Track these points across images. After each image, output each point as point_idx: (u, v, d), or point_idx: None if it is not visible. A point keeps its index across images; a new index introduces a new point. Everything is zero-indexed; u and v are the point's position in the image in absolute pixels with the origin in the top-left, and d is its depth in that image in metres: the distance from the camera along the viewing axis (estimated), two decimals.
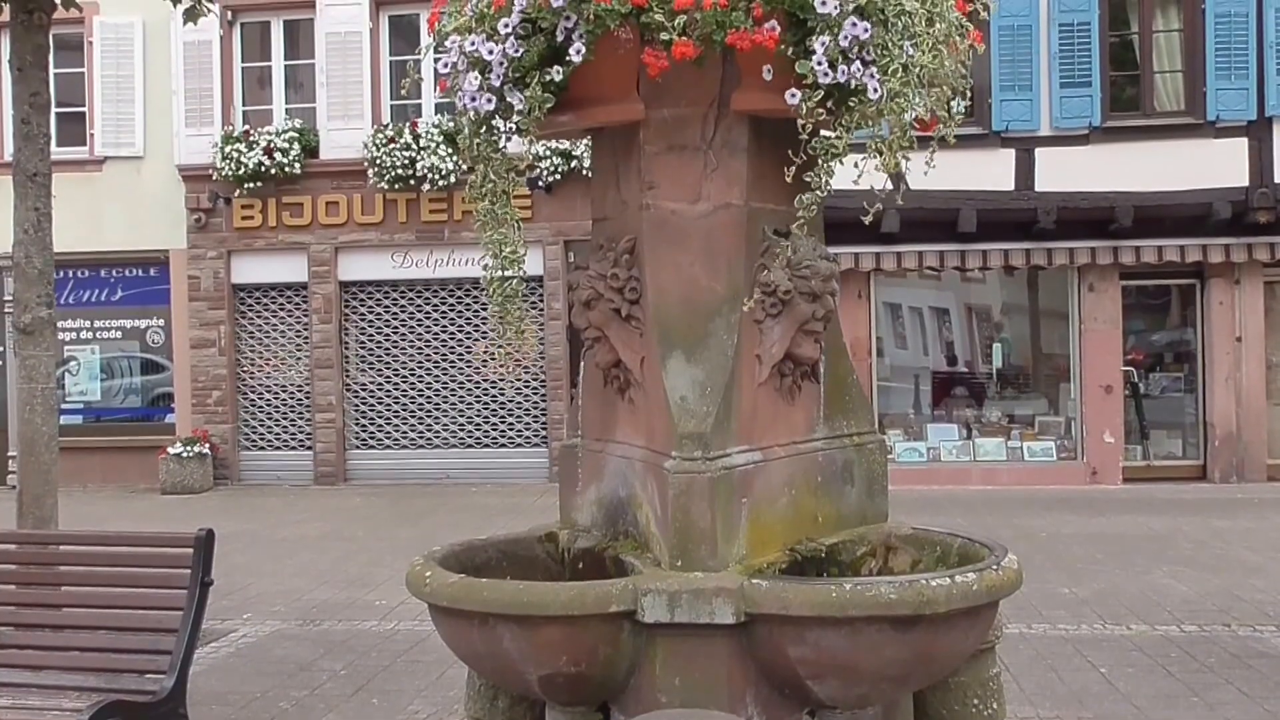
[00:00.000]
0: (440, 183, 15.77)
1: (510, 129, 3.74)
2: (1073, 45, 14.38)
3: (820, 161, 3.42)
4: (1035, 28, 14.42)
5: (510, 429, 16.68)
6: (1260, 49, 14.11)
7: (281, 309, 17.08)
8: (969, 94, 3.70)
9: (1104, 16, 14.56)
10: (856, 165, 3.39)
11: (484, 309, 15.48)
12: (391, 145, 15.85)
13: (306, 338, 16.90)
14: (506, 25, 3.50)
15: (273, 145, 16.10)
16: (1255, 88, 14.12)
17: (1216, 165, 14.18)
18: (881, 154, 3.42)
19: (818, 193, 3.42)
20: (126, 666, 4.51)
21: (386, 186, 16.03)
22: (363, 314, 16.94)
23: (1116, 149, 14.39)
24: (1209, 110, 14.24)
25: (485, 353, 16.31)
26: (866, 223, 3.57)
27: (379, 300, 16.89)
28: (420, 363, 16.83)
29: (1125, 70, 14.97)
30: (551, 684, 3.53)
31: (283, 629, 7.94)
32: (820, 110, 3.36)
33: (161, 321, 17.36)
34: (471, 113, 3.66)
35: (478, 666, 3.88)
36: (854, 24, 3.27)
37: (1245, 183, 14.20)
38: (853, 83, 3.31)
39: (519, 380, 16.52)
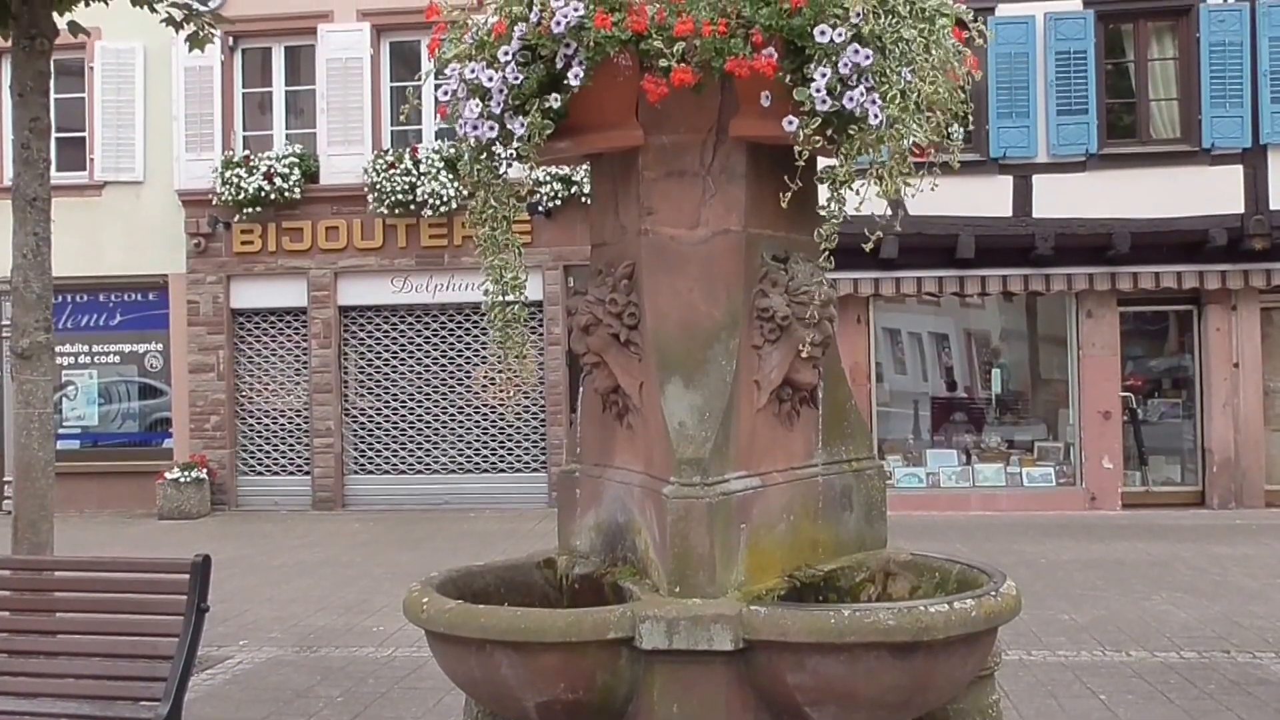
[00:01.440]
0: (440, 208, 15.82)
1: (510, 155, 3.76)
2: (1069, 73, 14.47)
3: (831, 191, 3.44)
4: (1032, 56, 14.51)
5: (509, 454, 16.66)
6: (1255, 78, 14.20)
7: (281, 334, 17.09)
8: (969, 118, 3.72)
9: (1100, 45, 14.66)
10: (859, 192, 3.41)
11: (483, 334, 15.50)
12: (392, 170, 15.91)
13: (305, 362, 16.90)
14: (507, 53, 3.53)
15: (273, 170, 16.15)
16: (1250, 116, 14.20)
17: (1212, 192, 14.25)
18: (882, 180, 3.44)
19: (834, 223, 3.43)
20: (121, 694, 4.48)
21: (386, 212, 16.07)
22: (362, 339, 16.95)
23: (1113, 176, 14.46)
24: (1204, 138, 14.31)
25: (485, 378, 16.31)
26: (868, 250, 3.59)
27: (378, 325, 16.90)
28: (419, 388, 16.83)
29: (1121, 98, 15.06)
30: (549, 711, 3.52)
31: (279, 655, 7.90)
32: (818, 138, 3.38)
33: (160, 346, 17.36)
34: (472, 139, 3.68)
35: (475, 693, 3.86)
36: (856, 50, 3.29)
37: (1241, 209, 14.26)
38: (856, 110, 3.32)
39: (518, 405, 16.50)
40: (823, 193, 3.61)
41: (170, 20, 7.76)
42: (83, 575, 5.09)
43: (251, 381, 17.13)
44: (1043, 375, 16.52)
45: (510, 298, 3.91)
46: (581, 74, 3.46)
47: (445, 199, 15.70)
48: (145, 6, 7.50)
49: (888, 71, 3.35)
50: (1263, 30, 14.20)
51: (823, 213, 3.47)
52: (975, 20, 3.73)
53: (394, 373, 16.87)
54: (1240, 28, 14.23)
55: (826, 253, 3.52)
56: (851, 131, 3.38)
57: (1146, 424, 15.74)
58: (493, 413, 16.54)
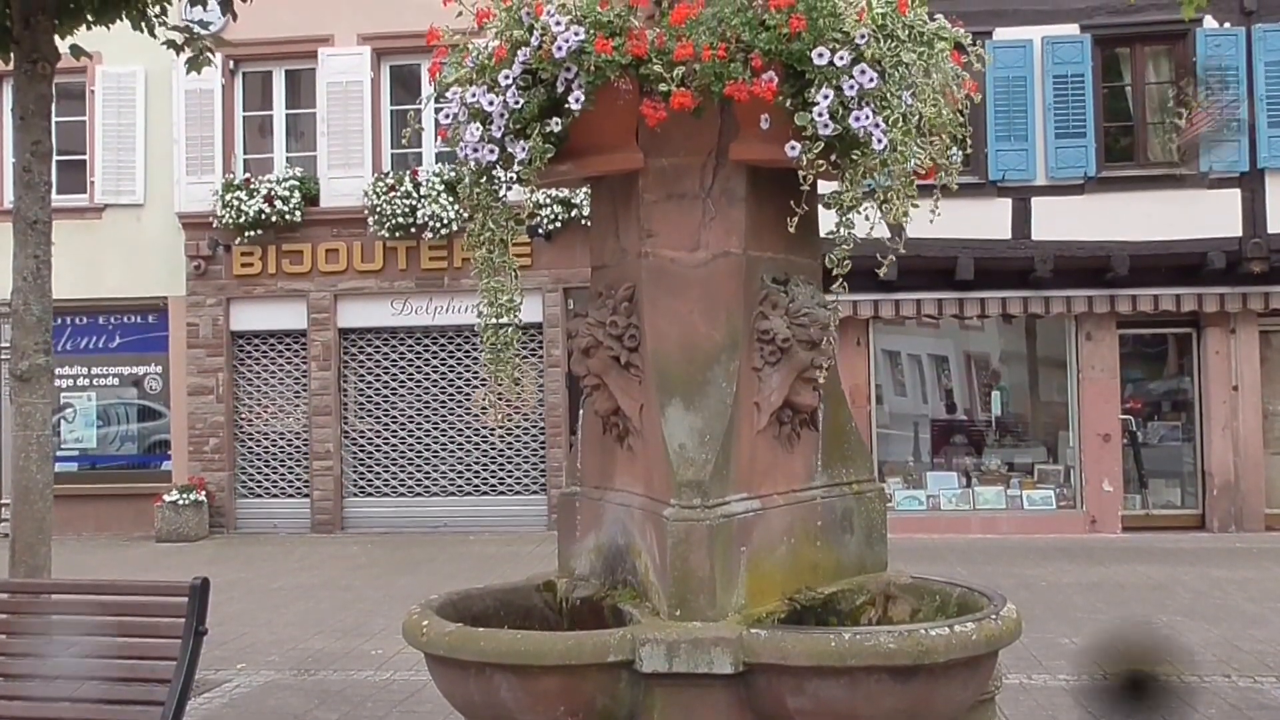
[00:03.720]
0: (440, 231, 15.84)
1: (510, 178, 3.77)
2: (1067, 97, 14.53)
3: (840, 216, 3.45)
4: (1030, 79, 14.58)
5: (509, 476, 16.63)
6: (1251, 102, 14.25)
7: (280, 356, 17.08)
8: (967, 142, 3.74)
9: (1097, 69, 14.73)
10: (867, 217, 3.42)
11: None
12: (392, 193, 15.94)
13: (305, 385, 16.90)
14: (507, 77, 3.54)
15: (273, 193, 16.19)
16: (1247, 140, 14.25)
17: (1210, 216, 14.29)
18: (888, 203, 3.45)
19: (846, 248, 3.44)
20: (118, 717, 4.46)
21: (386, 234, 16.09)
22: (361, 361, 16.95)
23: (1111, 199, 14.50)
24: (1202, 161, 14.36)
25: (484, 399, 16.26)
26: (881, 274, 3.59)
27: (378, 347, 16.90)
28: (419, 410, 16.81)
29: (1119, 121, 15.12)
30: None
31: (277, 679, 7.86)
32: (821, 162, 3.39)
33: (159, 368, 17.35)
34: (472, 162, 3.69)
35: (474, 717, 3.84)
36: (863, 70, 3.31)
37: (1239, 233, 14.30)
38: (860, 133, 3.34)
39: (518, 427, 16.49)
40: (824, 216, 3.62)
41: (171, 44, 7.80)
42: (80, 598, 5.06)
43: (251, 404, 17.12)
44: (1042, 398, 16.52)
45: (504, 320, 3.92)
46: (583, 98, 3.47)
47: (445, 221, 15.72)
48: (146, 30, 7.54)
49: (889, 95, 3.36)
50: (1258, 54, 14.27)
51: (833, 238, 3.48)
52: (974, 44, 3.75)
53: (393, 395, 16.86)
54: (1236, 51, 14.30)
55: (840, 279, 3.51)
56: (855, 156, 3.39)
57: (1146, 447, 15.73)
58: (492, 435, 16.51)
